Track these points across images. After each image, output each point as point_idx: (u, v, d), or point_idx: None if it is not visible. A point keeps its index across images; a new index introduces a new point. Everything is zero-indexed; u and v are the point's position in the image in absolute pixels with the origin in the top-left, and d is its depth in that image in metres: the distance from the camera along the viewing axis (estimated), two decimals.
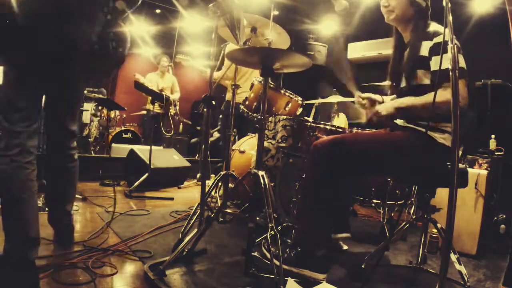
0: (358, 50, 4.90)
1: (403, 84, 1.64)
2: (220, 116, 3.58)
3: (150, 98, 4.87)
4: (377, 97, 1.73)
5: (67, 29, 1.36)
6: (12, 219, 1.32)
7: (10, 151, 1.30)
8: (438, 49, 1.44)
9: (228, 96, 3.36)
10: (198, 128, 6.39)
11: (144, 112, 5.13)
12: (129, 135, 5.19)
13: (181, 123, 6.03)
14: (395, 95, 1.76)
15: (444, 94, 1.36)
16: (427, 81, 1.52)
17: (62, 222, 1.69)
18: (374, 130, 1.82)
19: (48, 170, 1.68)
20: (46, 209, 2.17)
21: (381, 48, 4.55)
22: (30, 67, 1.37)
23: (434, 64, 1.47)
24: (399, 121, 1.67)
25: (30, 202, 1.34)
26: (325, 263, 1.50)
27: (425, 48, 1.50)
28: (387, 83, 1.79)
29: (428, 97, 1.44)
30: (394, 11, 1.60)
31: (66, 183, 1.67)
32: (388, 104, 1.56)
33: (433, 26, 1.54)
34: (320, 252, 1.48)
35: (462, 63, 1.41)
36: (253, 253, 1.47)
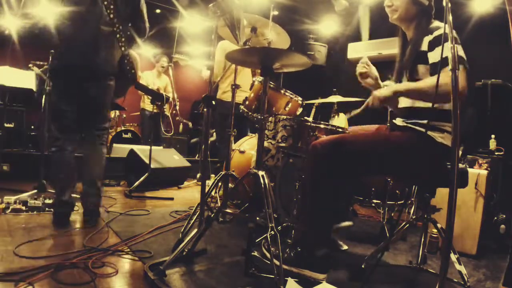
0: (358, 50, 4.90)
1: (404, 80, 1.64)
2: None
3: (145, 97, 4.88)
4: (374, 70, 1.72)
5: (98, 61, 1.99)
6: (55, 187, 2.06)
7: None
8: (438, 41, 1.44)
9: (218, 94, 3.30)
10: (197, 127, 6.37)
11: (139, 112, 5.14)
12: (129, 135, 5.18)
13: (181, 123, 6.03)
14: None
15: (444, 77, 1.31)
16: (428, 75, 1.52)
17: (90, 200, 2.09)
18: (374, 126, 1.82)
19: (84, 150, 2.15)
20: (46, 209, 2.19)
21: (381, 48, 4.54)
22: (69, 90, 2.02)
23: (432, 56, 1.47)
24: (398, 121, 1.67)
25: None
26: (325, 263, 1.49)
27: (425, 43, 1.51)
28: (388, 83, 1.79)
29: (427, 81, 1.43)
30: (397, 10, 1.61)
31: (97, 162, 2.14)
32: (384, 88, 1.54)
33: (436, 23, 1.54)
34: (320, 252, 1.48)
35: (460, 52, 1.40)
36: (253, 253, 1.47)
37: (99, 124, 2.16)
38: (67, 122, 2.03)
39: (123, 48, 2.07)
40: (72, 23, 1.92)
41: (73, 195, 2.08)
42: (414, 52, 1.56)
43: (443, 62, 1.19)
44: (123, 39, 2.05)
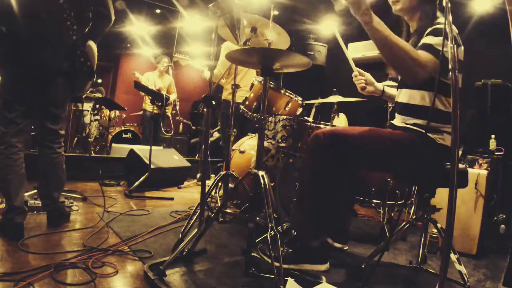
0: (358, 50, 4.89)
1: None
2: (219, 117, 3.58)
3: (146, 98, 4.88)
4: (368, 76, 1.82)
5: (38, 54, 1.73)
6: (3, 193, 1.75)
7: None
8: (433, 31, 1.44)
9: (225, 95, 3.35)
10: (196, 127, 6.38)
11: (141, 112, 5.14)
12: (129, 135, 5.19)
13: (181, 123, 6.04)
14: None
15: (422, 53, 1.35)
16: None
17: (49, 207, 1.96)
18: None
19: (38, 161, 1.97)
20: None
21: None
22: (15, 85, 1.77)
23: (423, 40, 1.46)
24: (397, 122, 1.66)
25: (14, 181, 1.76)
26: (323, 253, 1.48)
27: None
28: (387, 83, 1.79)
29: (405, 44, 1.35)
30: (399, 1, 1.59)
31: (51, 172, 1.96)
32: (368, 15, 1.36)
33: (441, 19, 1.50)
34: (316, 243, 1.47)
35: (432, 40, 1.40)
36: (253, 253, 1.47)
37: (51, 125, 1.92)
38: (12, 116, 1.76)
39: (74, 37, 1.79)
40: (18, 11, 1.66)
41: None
42: (418, 43, 1.51)
43: (428, 46, 1.29)
44: (74, 27, 1.78)
